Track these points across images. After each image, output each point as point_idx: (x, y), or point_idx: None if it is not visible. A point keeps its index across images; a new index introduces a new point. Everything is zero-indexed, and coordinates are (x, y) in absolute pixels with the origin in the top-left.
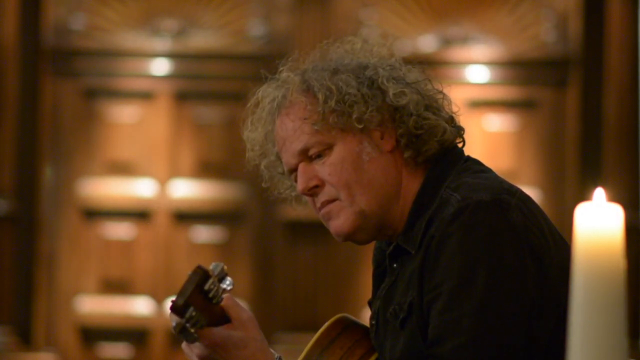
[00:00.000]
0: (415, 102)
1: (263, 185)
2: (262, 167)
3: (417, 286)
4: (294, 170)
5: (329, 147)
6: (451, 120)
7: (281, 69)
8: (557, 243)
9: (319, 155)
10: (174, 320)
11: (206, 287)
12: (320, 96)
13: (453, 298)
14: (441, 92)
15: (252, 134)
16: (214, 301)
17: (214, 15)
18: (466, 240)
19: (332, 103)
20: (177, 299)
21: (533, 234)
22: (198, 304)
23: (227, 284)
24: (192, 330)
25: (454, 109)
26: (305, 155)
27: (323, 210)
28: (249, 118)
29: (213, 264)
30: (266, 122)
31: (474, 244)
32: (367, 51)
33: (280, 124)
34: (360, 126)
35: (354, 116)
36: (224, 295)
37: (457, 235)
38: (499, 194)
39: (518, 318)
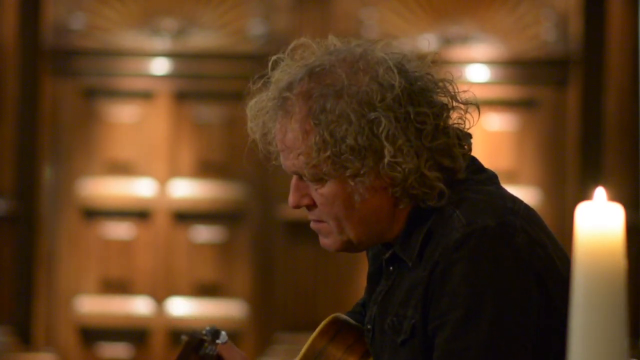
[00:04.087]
0: (410, 170)
1: (259, 155)
2: (257, 138)
3: (420, 310)
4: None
5: (322, 180)
6: (464, 156)
7: (293, 48)
8: (561, 259)
9: (312, 180)
10: None
11: (201, 352)
12: (314, 146)
13: (459, 328)
14: (462, 107)
15: (252, 112)
16: (209, 358)
17: (214, 14)
18: (472, 269)
19: (327, 154)
20: None
21: (537, 257)
22: None
23: (221, 340)
24: None
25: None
26: (299, 175)
27: (313, 225)
28: (256, 94)
29: (206, 329)
30: (270, 117)
31: (480, 274)
32: (379, 66)
33: (281, 128)
34: (353, 183)
35: (347, 173)
36: (219, 347)
37: (463, 263)
38: (504, 216)
39: (524, 348)
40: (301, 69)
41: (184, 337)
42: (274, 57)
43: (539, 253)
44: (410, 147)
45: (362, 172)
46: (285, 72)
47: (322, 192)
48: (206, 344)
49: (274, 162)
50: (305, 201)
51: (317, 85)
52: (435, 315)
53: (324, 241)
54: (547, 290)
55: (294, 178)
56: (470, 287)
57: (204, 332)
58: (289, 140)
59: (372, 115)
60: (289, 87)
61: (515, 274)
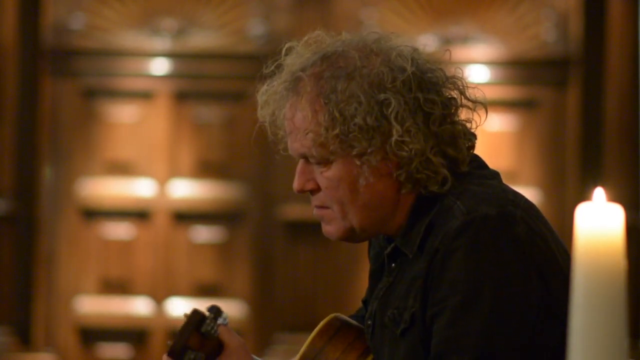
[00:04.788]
0: (417, 151)
1: (268, 139)
2: (267, 122)
3: (420, 298)
4: (296, 157)
5: (329, 161)
6: (469, 149)
7: (308, 39)
8: (561, 253)
9: (318, 162)
10: None
11: (203, 329)
12: (324, 123)
13: (457, 315)
14: (469, 103)
15: (264, 97)
16: (211, 338)
17: (214, 14)
18: (472, 256)
19: (336, 131)
20: (175, 343)
21: (538, 248)
22: (195, 344)
23: (222, 320)
24: None
25: (478, 119)
26: (306, 157)
27: (316, 212)
28: (267, 80)
29: (209, 306)
30: (281, 98)
31: (479, 261)
32: (392, 51)
33: (291, 107)
34: (359, 163)
35: (354, 152)
36: (220, 329)
37: (463, 250)
38: (504, 206)
39: (522, 337)
40: (314, 54)
41: (186, 314)
42: (287, 45)
43: (539, 244)
44: (417, 130)
45: (369, 151)
46: (298, 56)
47: (327, 175)
48: (208, 321)
49: (282, 152)
50: (310, 185)
51: (330, 67)
52: (434, 302)
53: (327, 228)
54: (546, 281)
55: (300, 162)
56: (470, 274)
57: (206, 309)
58: (299, 120)
59: (382, 96)
60: (302, 69)
61: (514, 262)
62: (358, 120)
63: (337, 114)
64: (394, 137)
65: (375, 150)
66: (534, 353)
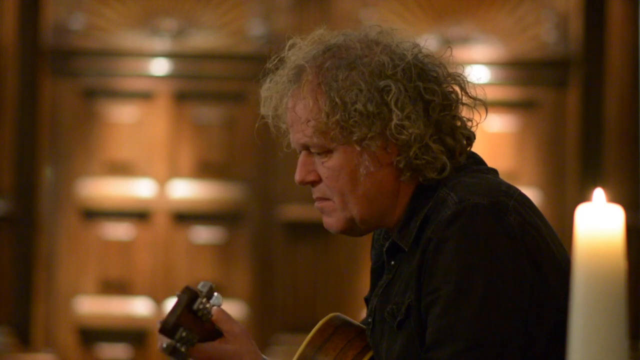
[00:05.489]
0: (416, 136)
1: (272, 135)
2: (270, 117)
3: (415, 288)
4: (298, 149)
5: (329, 151)
6: (468, 141)
7: (311, 36)
8: (555, 245)
9: (319, 153)
10: (164, 341)
11: (195, 307)
12: (325, 109)
13: (450, 303)
14: (469, 100)
15: (267, 93)
16: (204, 318)
17: (214, 15)
18: (463, 245)
19: (337, 117)
20: (166, 320)
21: (531, 237)
22: (188, 323)
23: (215, 300)
24: (183, 350)
25: (475, 116)
26: (307, 149)
27: (317, 204)
28: (270, 74)
29: (201, 283)
30: (283, 89)
31: (471, 249)
32: (393, 42)
33: (292, 96)
34: (359, 148)
35: (355, 138)
36: (214, 311)
37: (455, 239)
38: (497, 196)
39: (515, 324)
40: (317, 47)
41: (178, 293)
42: (290, 41)
43: (531, 233)
44: (417, 117)
45: (369, 136)
46: (301, 50)
47: (328, 165)
48: (200, 299)
49: (285, 149)
50: (311, 177)
51: (332, 57)
52: (427, 291)
53: (328, 220)
54: (539, 269)
55: (302, 154)
56: (462, 262)
57: (199, 286)
58: (300, 109)
59: (383, 83)
60: (305, 60)
61: (506, 249)
62: (359, 106)
63: (337, 100)
64: (394, 122)
65: (375, 136)
66: (527, 340)
